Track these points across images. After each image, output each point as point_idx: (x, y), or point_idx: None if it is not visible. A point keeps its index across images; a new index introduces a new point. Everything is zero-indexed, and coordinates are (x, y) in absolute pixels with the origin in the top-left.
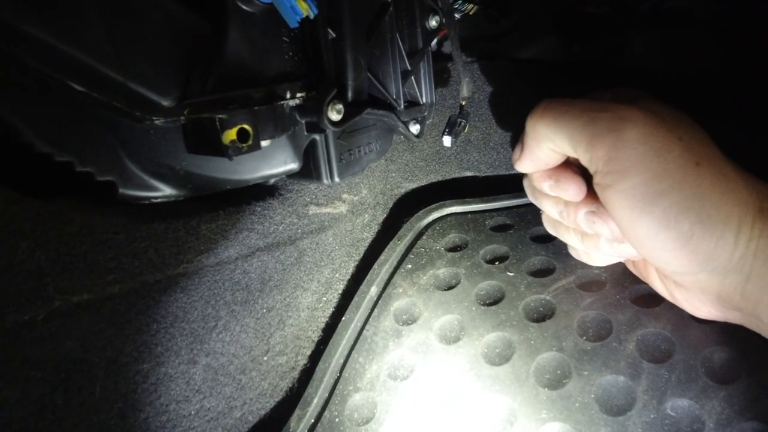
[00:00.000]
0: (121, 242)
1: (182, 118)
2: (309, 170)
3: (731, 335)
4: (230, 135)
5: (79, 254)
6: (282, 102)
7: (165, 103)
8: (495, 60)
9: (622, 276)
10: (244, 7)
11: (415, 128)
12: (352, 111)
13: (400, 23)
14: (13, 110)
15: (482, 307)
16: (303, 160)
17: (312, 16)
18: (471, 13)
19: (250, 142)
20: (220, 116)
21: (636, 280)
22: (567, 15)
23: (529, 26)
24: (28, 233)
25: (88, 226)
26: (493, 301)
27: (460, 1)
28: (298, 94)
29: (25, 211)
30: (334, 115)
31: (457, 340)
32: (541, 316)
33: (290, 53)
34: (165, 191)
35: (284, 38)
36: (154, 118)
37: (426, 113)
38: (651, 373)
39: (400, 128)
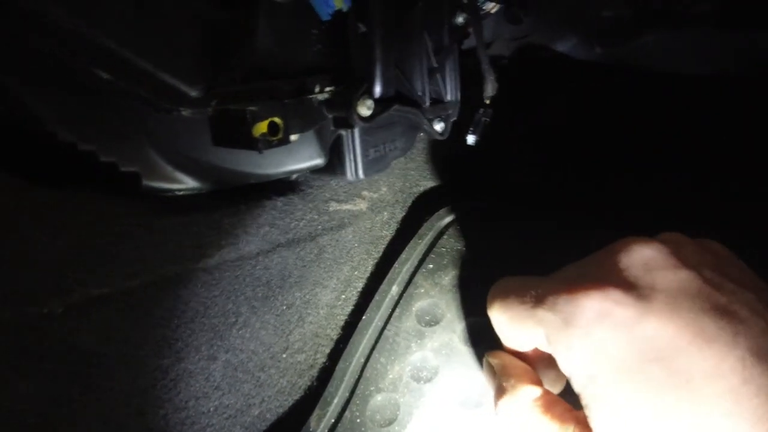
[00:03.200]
0: (141, 235)
1: (209, 109)
2: (333, 166)
3: None
4: (261, 128)
5: (99, 246)
6: (311, 96)
7: (192, 93)
8: (518, 60)
9: None
10: None
11: (439, 126)
12: (380, 107)
13: (427, 19)
14: (38, 98)
15: None
16: (328, 155)
17: (345, 9)
18: (492, 11)
19: (280, 135)
20: (251, 108)
21: None
22: (586, 16)
23: (551, 27)
24: (47, 223)
25: (109, 218)
26: None
27: (482, 0)
28: (327, 88)
29: (45, 200)
30: (364, 111)
31: (482, 343)
32: None
33: (320, 46)
34: (189, 184)
35: (314, 30)
36: (181, 108)
37: (451, 111)
38: None
39: (425, 126)
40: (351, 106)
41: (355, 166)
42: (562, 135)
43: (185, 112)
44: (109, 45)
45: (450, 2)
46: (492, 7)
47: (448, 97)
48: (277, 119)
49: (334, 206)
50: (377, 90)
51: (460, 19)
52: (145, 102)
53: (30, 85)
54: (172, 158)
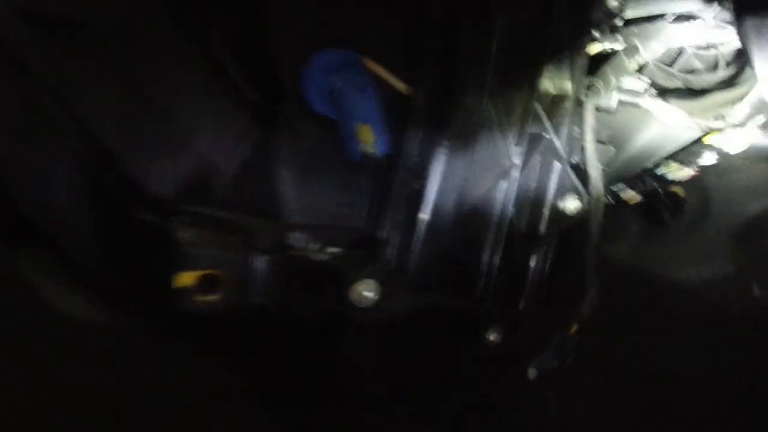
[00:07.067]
0: None
1: None
2: None
3: None
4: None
5: None
6: (297, 252)
7: None
8: (638, 278)
9: None
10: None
11: (494, 335)
12: (399, 294)
13: (519, 195)
14: None
15: None
16: None
17: (378, 155)
18: (632, 203)
19: (215, 296)
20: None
21: None
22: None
23: (703, 245)
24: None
25: None
26: None
27: (621, 186)
28: (329, 249)
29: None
30: (362, 296)
31: None
32: None
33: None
34: None
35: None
36: None
37: (519, 320)
38: None
39: (481, 332)
40: (345, 282)
41: None
42: None
43: None
44: None
45: (561, 179)
46: (632, 198)
47: (523, 303)
48: (215, 271)
49: None
50: (409, 268)
51: (569, 205)
52: None
53: None
54: None
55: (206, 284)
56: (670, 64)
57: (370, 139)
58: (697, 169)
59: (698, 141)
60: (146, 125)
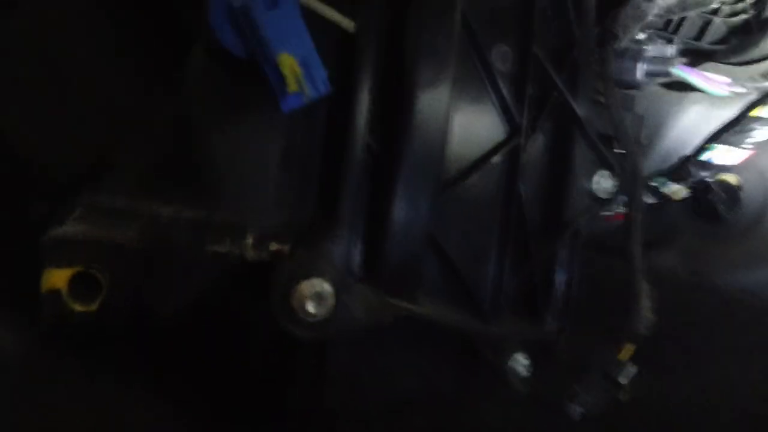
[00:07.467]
0: None
1: None
2: None
3: None
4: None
5: None
6: (227, 248)
7: None
8: (697, 288)
9: None
10: None
11: (522, 363)
12: (366, 303)
13: (529, 171)
14: None
15: None
16: None
17: (307, 98)
18: (676, 198)
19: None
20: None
21: None
22: None
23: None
24: None
25: None
26: None
27: (661, 180)
28: (271, 245)
29: None
30: (311, 305)
31: None
32: None
33: (275, 170)
34: None
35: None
36: None
37: (554, 338)
38: None
39: (490, 357)
40: (288, 286)
41: None
42: None
43: None
44: None
45: (589, 151)
46: (676, 192)
47: (551, 317)
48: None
49: None
50: (352, 257)
51: (603, 183)
52: None
53: None
54: None
55: (81, 287)
56: (698, 38)
57: (294, 73)
58: (750, 149)
59: (745, 114)
60: (43, 100)
